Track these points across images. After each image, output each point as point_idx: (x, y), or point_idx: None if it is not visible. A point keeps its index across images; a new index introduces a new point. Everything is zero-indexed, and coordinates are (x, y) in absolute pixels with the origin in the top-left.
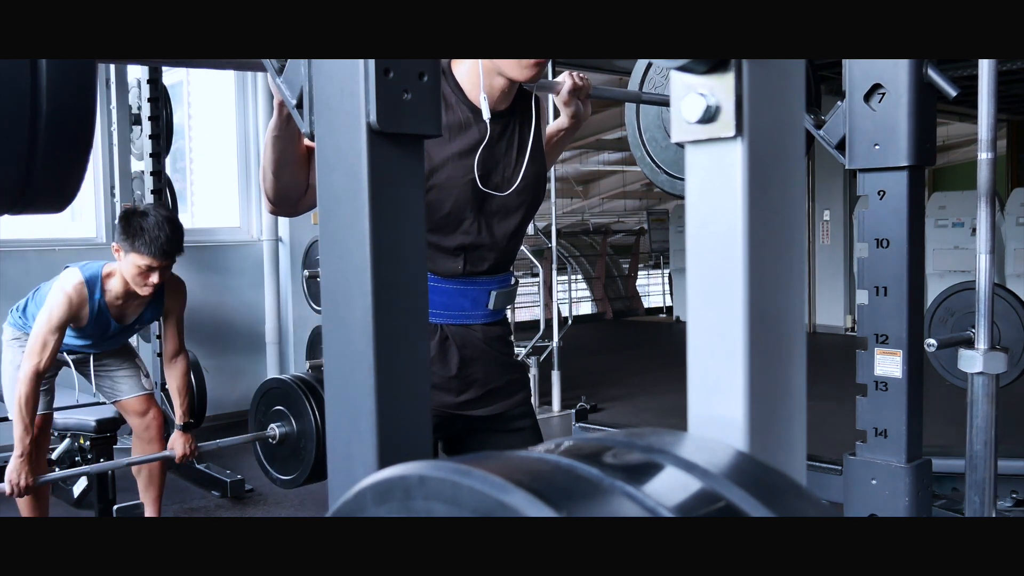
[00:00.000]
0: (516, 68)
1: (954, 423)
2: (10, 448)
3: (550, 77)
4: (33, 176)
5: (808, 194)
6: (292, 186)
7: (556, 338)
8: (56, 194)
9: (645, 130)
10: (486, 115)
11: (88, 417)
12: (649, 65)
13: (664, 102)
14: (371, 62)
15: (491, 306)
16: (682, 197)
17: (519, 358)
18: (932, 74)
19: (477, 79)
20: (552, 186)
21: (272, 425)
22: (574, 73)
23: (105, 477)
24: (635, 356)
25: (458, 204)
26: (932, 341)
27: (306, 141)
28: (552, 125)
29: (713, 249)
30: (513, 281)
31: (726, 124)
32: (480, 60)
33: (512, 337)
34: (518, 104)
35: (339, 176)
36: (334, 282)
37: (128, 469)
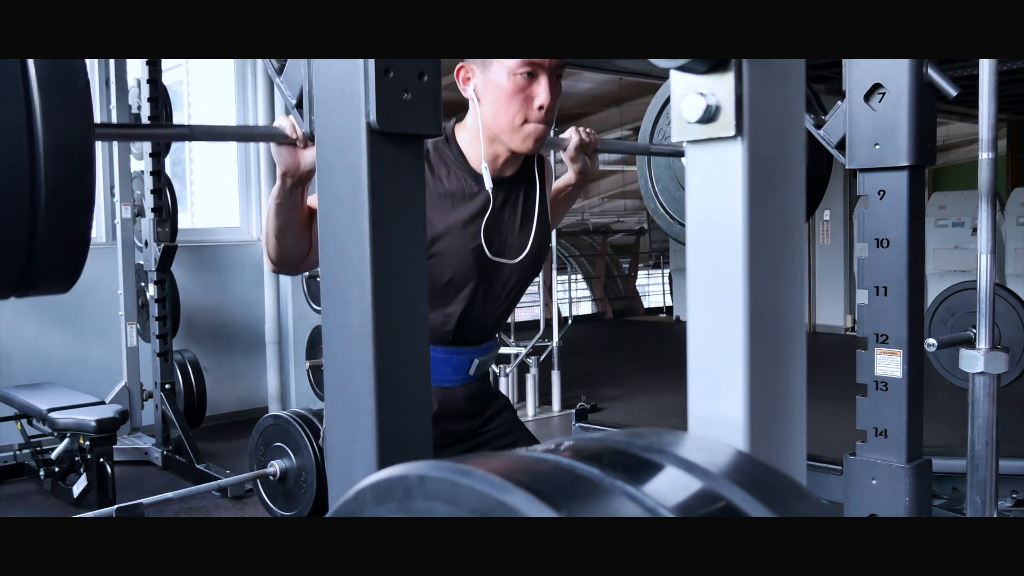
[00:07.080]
0: (517, 140)
1: (954, 423)
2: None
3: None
4: (35, 258)
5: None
6: (295, 250)
7: (556, 338)
8: (60, 273)
9: (657, 180)
10: (488, 185)
11: (88, 417)
12: (659, 115)
13: (674, 153)
14: (371, 62)
15: (472, 372)
16: None
17: (519, 357)
18: (932, 74)
19: (479, 146)
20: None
21: (272, 462)
22: (581, 129)
23: (105, 477)
24: (635, 356)
25: (460, 272)
26: (932, 341)
27: (308, 202)
28: (559, 181)
29: (713, 249)
30: (496, 345)
31: (726, 124)
32: (481, 128)
33: (496, 389)
34: (524, 169)
35: (339, 176)
36: (334, 282)
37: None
